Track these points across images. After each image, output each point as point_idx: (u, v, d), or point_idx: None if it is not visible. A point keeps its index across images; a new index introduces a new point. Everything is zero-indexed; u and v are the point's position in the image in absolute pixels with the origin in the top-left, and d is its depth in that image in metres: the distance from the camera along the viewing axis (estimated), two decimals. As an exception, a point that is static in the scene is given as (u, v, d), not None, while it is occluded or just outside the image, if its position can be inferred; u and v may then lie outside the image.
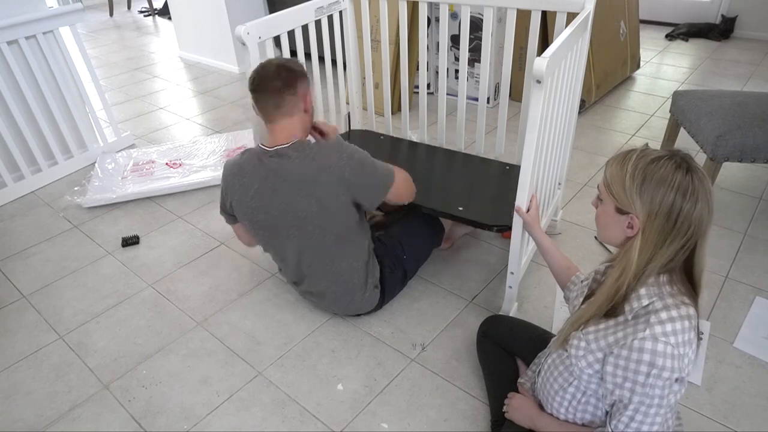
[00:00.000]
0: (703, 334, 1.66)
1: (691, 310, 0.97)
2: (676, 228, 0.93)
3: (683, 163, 0.94)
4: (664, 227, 0.94)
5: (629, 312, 0.99)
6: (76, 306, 1.93)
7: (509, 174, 2.00)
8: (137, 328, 1.82)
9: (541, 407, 1.23)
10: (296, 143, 1.54)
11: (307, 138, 1.65)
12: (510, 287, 1.72)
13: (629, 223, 0.99)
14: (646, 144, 1.02)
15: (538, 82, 1.31)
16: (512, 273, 1.68)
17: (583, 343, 1.05)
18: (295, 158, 1.52)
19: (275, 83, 1.50)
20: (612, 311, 1.03)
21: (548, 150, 1.66)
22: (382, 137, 2.34)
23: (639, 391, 0.96)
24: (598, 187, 1.07)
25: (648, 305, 0.97)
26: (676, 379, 0.95)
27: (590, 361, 1.04)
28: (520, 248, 1.62)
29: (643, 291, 0.98)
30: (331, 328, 1.77)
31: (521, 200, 1.51)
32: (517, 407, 1.29)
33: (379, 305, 1.77)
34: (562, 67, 1.53)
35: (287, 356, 1.68)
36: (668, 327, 0.93)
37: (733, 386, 1.52)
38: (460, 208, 1.78)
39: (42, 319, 1.88)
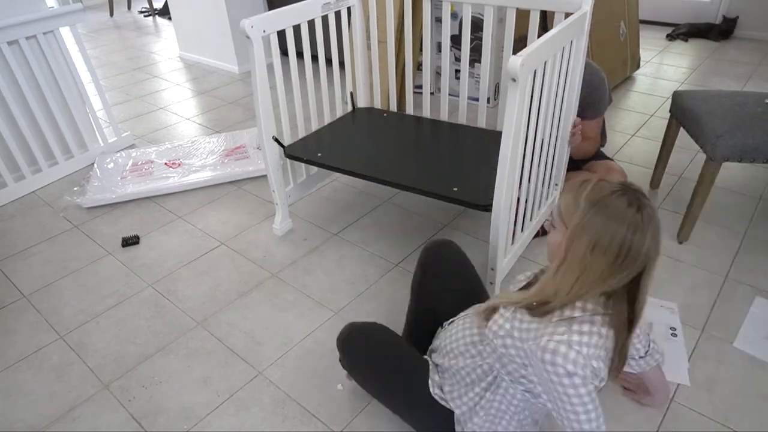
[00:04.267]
0: (676, 329, 1.68)
1: (610, 332, 1.03)
2: (626, 261, 0.97)
3: (635, 200, 0.98)
4: (613, 262, 0.97)
5: (558, 315, 1.04)
6: (76, 306, 1.93)
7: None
8: (137, 328, 1.82)
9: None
10: None
11: None
12: (491, 284, 1.70)
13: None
14: (599, 179, 1.05)
15: (514, 80, 1.32)
16: (492, 269, 1.66)
17: (507, 325, 1.09)
18: None
19: None
20: (544, 311, 1.07)
21: (537, 149, 1.65)
22: (386, 114, 2.34)
23: (559, 395, 1.02)
24: (551, 213, 1.10)
25: (576, 317, 1.02)
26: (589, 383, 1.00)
27: (507, 344, 1.09)
28: (504, 244, 1.60)
29: (578, 304, 1.04)
30: (331, 328, 1.77)
31: (499, 198, 1.50)
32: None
33: None
34: (548, 66, 1.52)
35: (287, 356, 1.68)
36: (585, 338, 0.99)
37: (733, 386, 1.52)
38: (455, 189, 1.70)
39: (42, 319, 1.88)
